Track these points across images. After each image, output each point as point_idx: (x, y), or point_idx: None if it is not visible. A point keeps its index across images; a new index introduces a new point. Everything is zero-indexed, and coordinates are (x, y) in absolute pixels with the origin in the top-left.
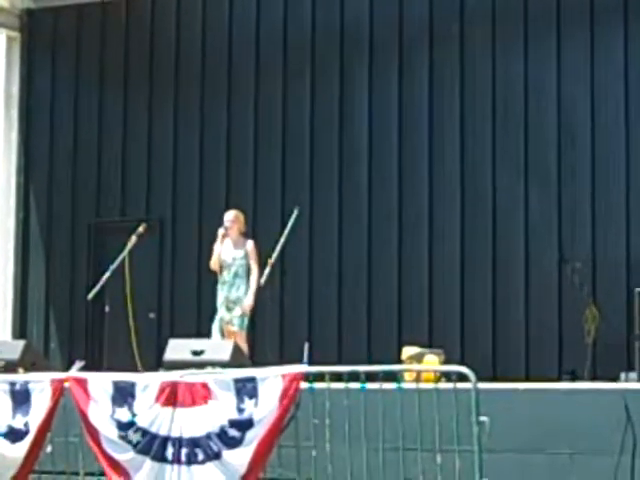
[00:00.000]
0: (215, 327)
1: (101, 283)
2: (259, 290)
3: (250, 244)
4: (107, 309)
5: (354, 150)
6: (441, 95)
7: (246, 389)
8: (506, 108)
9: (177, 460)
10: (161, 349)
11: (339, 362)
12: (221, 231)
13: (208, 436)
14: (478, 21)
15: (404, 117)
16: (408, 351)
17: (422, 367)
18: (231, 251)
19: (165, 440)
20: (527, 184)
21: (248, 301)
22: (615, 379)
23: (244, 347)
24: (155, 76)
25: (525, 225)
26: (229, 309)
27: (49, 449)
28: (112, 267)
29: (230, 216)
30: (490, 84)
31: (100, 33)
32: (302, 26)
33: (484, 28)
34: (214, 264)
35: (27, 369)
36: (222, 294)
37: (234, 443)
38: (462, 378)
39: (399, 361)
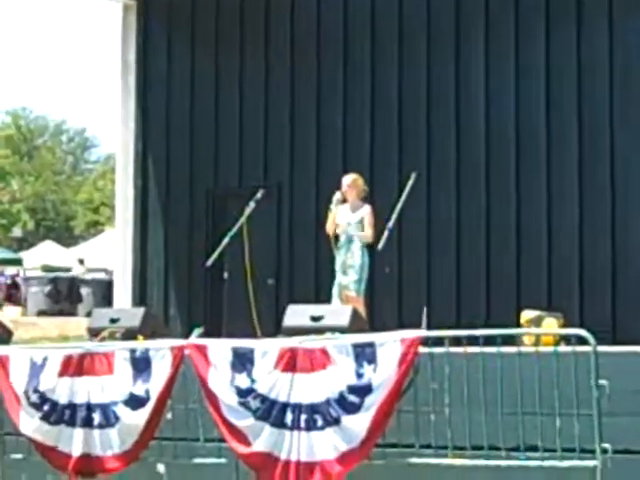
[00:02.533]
0: (335, 292)
1: (219, 249)
2: (378, 254)
3: (367, 209)
4: (226, 275)
5: (471, 115)
6: (559, 66)
7: (365, 354)
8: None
9: (296, 426)
10: (280, 315)
11: (457, 327)
12: (337, 195)
13: (327, 402)
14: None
15: (521, 82)
16: (527, 314)
17: (541, 330)
18: (347, 215)
19: (284, 406)
20: None
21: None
22: None
23: (362, 311)
24: (271, 43)
25: None
26: (345, 273)
27: (169, 416)
28: (230, 234)
29: (348, 180)
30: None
31: (216, 0)
32: None
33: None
34: (329, 228)
35: (147, 336)
36: (339, 259)
37: (353, 409)
38: (581, 341)
39: (518, 325)
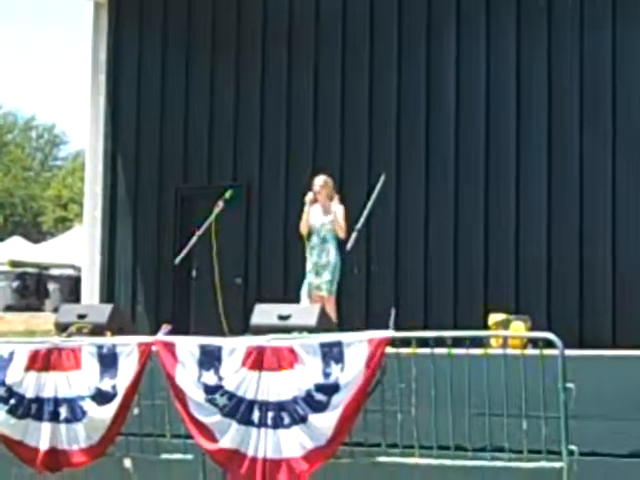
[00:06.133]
0: (304, 292)
1: (188, 248)
2: (346, 254)
3: (339, 207)
4: (194, 274)
5: (441, 116)
6: (528, 65)
7: (332, 354)
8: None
9: (263, 424)
10: (247, 314)
11: (425, 328)
12: (309, 196)
13: (294, 400)
14: None
15: (491, 84)
16: (495, 317)
17: (509, 333)
18: (320, 216)
19: (251, 404)
20: (615, 154)
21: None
22: None
23: (333, 312)
24: (242, 42)
25: (612, 193)
26: (318, 274)
27: (136, 411)
28: (199, 232)
29: (319, 181)
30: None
31: (187, 0)
32: None
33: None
34: (303, 228)
35: (114, 333)
36: (311, 259)
37: (320, 407)
38: (549, 344)
39: (485, 327)
